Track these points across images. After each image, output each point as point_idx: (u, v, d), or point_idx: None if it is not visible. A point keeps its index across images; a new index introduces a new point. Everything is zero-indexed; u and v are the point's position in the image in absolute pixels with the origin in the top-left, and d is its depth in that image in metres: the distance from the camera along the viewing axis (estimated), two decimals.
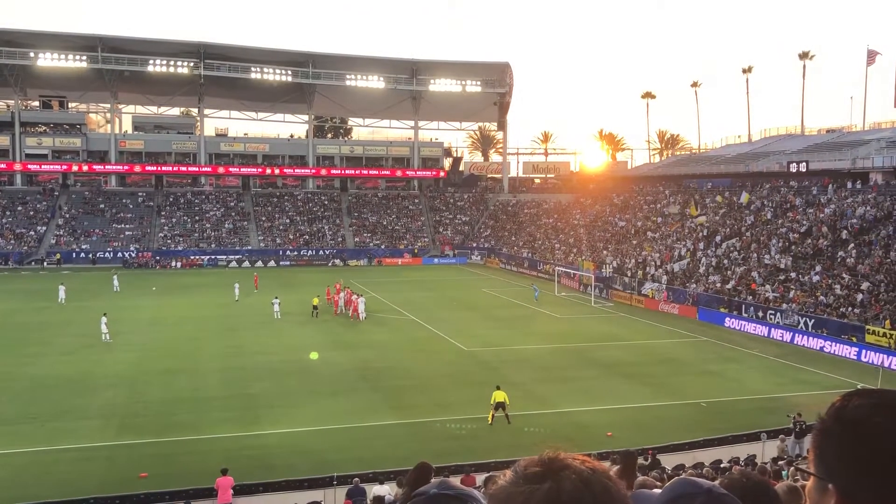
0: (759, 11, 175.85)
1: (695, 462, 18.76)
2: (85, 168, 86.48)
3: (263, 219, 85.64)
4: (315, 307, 45.47)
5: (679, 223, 63.56)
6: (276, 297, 45.74)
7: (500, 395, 24.65)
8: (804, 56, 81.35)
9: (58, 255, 73.10)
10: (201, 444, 23.10)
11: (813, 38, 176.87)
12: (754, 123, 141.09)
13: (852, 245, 45.23)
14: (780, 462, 18.02)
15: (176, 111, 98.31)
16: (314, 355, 33.69)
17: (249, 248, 79.99)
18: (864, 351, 35.13)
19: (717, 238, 55.84)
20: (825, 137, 68.41)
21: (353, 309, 45.05)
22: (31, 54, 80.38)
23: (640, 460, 18.85)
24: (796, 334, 39.24)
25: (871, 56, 65.07)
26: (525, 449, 21.51)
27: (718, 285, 48.52)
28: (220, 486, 17.91)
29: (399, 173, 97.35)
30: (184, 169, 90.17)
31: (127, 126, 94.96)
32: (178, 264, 74.63)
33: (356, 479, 18.21)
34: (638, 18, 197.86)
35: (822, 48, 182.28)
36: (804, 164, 57.02)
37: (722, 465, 17.35)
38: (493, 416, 24.63)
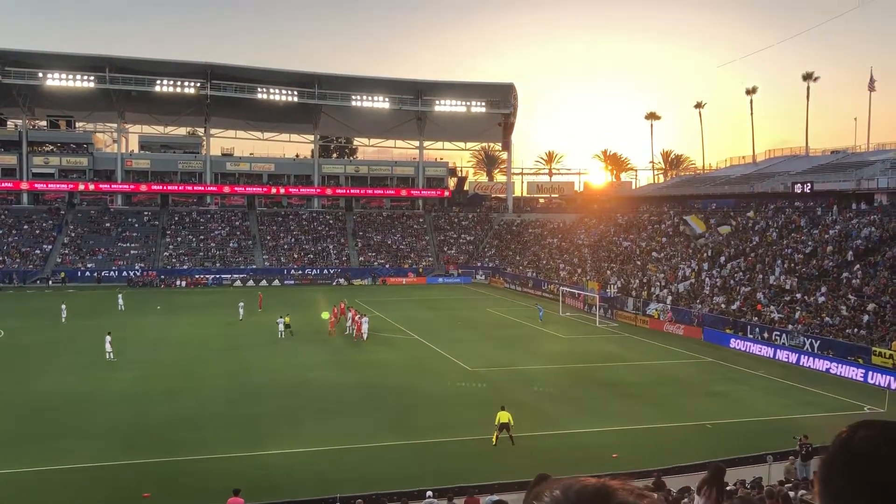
0: (763, 32, 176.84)
1: None
2: (91, 187, 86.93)
3: (268, 238, 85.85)
4: (287, 326, 45.16)
5: (686, 243, 63.49)
6: (282, 317, 45.67)
7: (504, 416, 24.51)
8: (808, 77, 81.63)
9: (62, 274, 73.30)
10: (205, 463, 23.01)
11: (817, 59, 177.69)
12: (759, 144, 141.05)
13: (858, 266, 45.11)
14: (786, 485, 17.88)
15: (182, 131, 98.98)
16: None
17: (254, 267, 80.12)
18: (870, 373, 34.92)
19: (722, 258, 55.77)
20: (829, 158, 68.45)
21: (358, 329, 44.98)
22: (40, 74, 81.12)
23: (648, 482, 18.78)
24: (802, 355, 39.06)
25: (873, 82, 65.42)
26: (529, 470, 21.39)
27: (723, 306, 48.40)
28: None
29: (404, 193, 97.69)
30: (189, 188, 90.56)
31: (133, 145, 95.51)
32: (183, 283, 74.77)
33: (359, 500, 18.15)
34: (642, 39, 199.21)
35: (825, 69, 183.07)
36: (809, 184, 57.01)
37: (728, 488, 17.19)
38: (497, 436, 24.51)
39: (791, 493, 15.61)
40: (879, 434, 1.53)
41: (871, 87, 65.58)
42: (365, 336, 44.19)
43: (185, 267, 78.38)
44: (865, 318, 39.51)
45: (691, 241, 62.90)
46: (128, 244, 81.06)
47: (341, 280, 78.56)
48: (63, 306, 50.29)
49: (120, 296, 57.66)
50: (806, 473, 20.98)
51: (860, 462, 1.51)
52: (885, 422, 1.59)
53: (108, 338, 37.79)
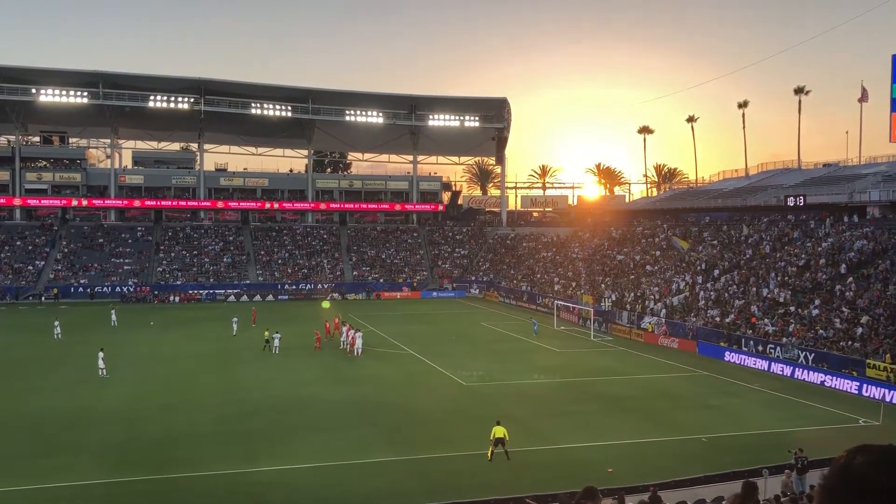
0: (754, 47, 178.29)
1: (696, 498, 18.53)
2: (84, 203, 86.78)
3: (262, 253, 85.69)
4: (267, 341, 45.10)
5: (679, 256, 63.64)
6: (278, 332, 45.42)
7: (499, 431, 24.43)
8: (799, 91, 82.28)
9: (55, 290, 72.96)
10: (199, 480, 22.84)
11: (808, 73, 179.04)
12: (751, 157, 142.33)
13: (851, 279, 45.24)
14: (782, 499, 17.83)
15: (176, 146, 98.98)
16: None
17: (248, 282, 79.91)
18: (864, 385, 34.94)
19: (716, 272, 55.87)
20: (822, 171, 68.82)
21: (352, 343, 44.81)
22: (33, 90, 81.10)
23: (644, 498, 18.68)
24: (796, 368, 39.06)
25: (865, 94, 65.75)
26: (524, 485, 21.30)
27: (718, 319, 48.42)
28: None
29: (398, 207, 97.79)
30: (183, 203, 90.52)
31: (127, 161, 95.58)
32: (177, 299, 74.50)
33: None
34: (634, 54, 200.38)
35: (817, 83, 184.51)
36: (801, 198, 57.24)
37: (723, 502, 17.12)
38: (492, 451, 24.41)
39: None
40: (877, 459, 1.53)
41: (864, 99, 65.86)
42: (359, 351, 44.02)
43: (178, 282, 78.12)
44: (859, 330, 39.56)
45: (684, 256, 63.05)
46: (121, 260, 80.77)
47: (335, 295, 78.36)
48: (56, 323, 49.88)
49: (113, 311, 57.39)
50: (802, 487, 20.92)
51: (859, 489, 1.50)
52: (883, 447, 1.58)
53: (101, 354, 37.54)
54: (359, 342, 44.38)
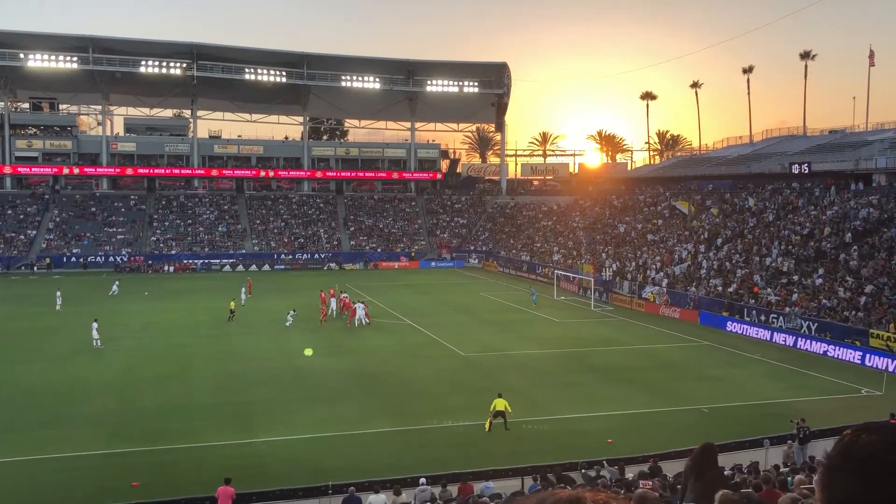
0: (759, 11, 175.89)
1: None
2: (76, 171, 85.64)
3: (258, 222, 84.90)
4: (232, 311, 44.82)
5: (682, 225, 63.01)
6: (294, 310, 44.39)
7: (500, 404, 24.17)
8: (805, 56, 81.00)
9: (48, 260, 72.24)
10: (194, 452, 22.57)
11: (814, 37, 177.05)
12: (756, 124, 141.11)
13: (855, 248, 44.68)
14: (783, 469, 17.49)
15: (168, 113, 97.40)
16: (308, 351, 33.44)
17: (243, 251, 79.26)
18: (867, 355, 34.60)
19: (719, 241, 55.27)
20: (827, 138, 67.87)
21: (351, 315, 44.31)
22: (21, 55, 79.59)
23: (643, 468, 18.31)
24: (799, 338, 38.70)
25: (872, 57, 64.68)
26: (523, 456, 20.94)
27: (720, 289, 47.95)
28: (220, 496, 17.59)
29: (395, 175, 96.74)
30: (177, 171, 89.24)
31: (119, 128, 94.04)
32: (171, 268, 73.91)
33: (351, 487, 17.77)
34: (637, 19, 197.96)
35: (823, 48, 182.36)
36: (806, 165, 56.41)
37: (725, 473, 16.71)
38: (490, 423, 24.12)
39: (788, 479, 15.15)
40: (884, 439, 1.44)
41: (871, 62, 64.69)
42: (364, 322, 43.39)
43: (173, 252, 77.45)
44: (863, 299, 39.12)
45: (687, 224, 62.38)
46: (114, 229, 79.98)
47: (333, 265, 77.83)
48: (58, 293, 49.24)
49: (116, 283, 56.66)
50: (803, 457, 20.67)
51: (864, 469, 1.43)
52: (890, 425, 1.48)
53: (95, 325, 37.07)
54: (360, 313, 43.88)
